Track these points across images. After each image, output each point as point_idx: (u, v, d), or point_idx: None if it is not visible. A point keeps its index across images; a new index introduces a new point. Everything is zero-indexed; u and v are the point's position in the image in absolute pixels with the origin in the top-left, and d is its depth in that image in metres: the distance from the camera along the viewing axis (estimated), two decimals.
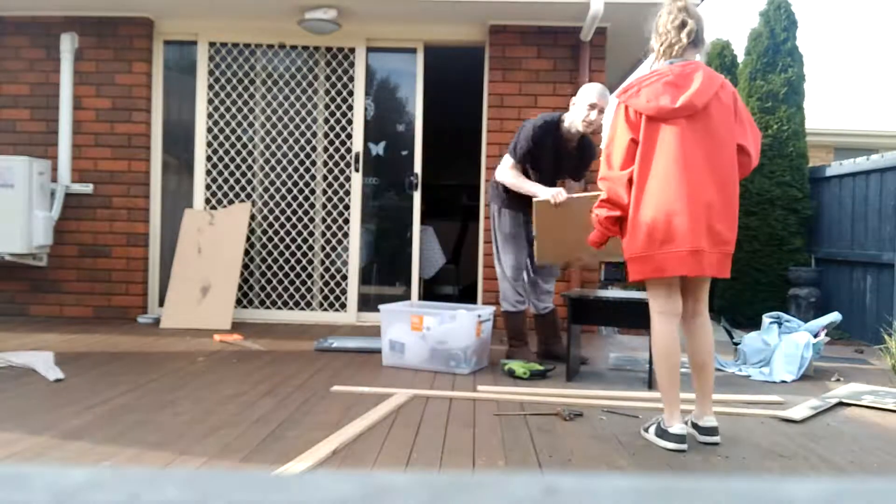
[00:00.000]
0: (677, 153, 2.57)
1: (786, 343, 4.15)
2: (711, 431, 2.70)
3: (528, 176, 4.22)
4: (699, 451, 2.65)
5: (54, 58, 5.79)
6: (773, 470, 2.45)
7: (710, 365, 2.74)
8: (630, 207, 2.62)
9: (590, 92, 4.02)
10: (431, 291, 7.13)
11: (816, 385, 3.93)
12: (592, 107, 3.98)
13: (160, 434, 2.65)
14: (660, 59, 2.73)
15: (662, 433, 2.67)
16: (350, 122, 5.94)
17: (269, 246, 6.00)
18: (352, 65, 5.94)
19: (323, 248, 5.99)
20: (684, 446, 2.60)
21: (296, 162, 5.98)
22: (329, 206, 5.97)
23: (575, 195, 4.03)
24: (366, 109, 5.98)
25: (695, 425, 2.75)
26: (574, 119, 4.05)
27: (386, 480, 0.37)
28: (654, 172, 2.58)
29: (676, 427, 2.63)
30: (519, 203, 4.22)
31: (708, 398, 2.73)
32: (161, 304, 5.84)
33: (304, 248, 5.99)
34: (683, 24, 2.69)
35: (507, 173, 4.19)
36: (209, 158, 5.99)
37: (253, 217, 5.97)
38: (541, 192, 3.98)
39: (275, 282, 5.99)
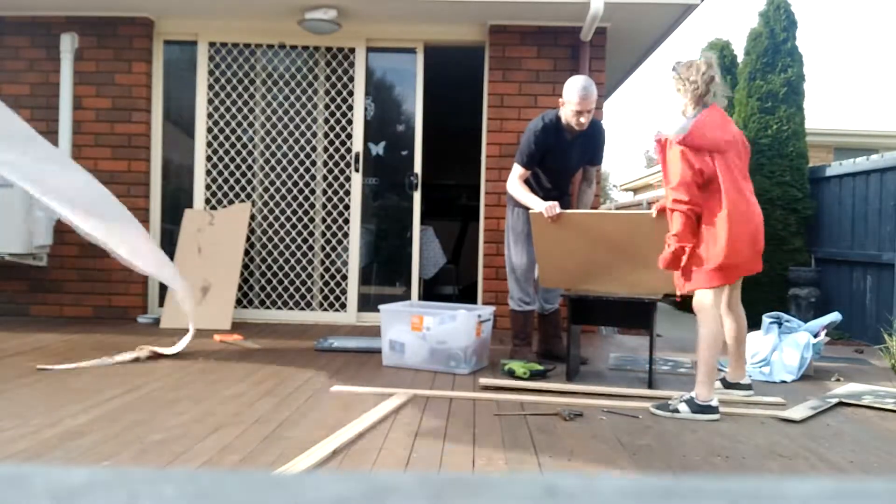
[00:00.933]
0: (737, 179, 3.18)
1: (786, 343, 4.15)
2: (750, 386, 3.57)
3: (539, 179, 4.23)
4: (699, 450, 2.65)
5: (54, 58, 5.79)
6: (773, 470, 2.45)
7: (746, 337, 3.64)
8: (716, 227, 3.14)
9: (573, 96, 3.97)
10: (431, 291, 7.12)
11: (816, 385, 3.93)
12: (579, 113, 3.98)
13: (160, 434, 2.64)
14: (692, 106, 3.27)
15: (705, 408, 3.12)
16: (350, 122, 5.94)
17: (269, 246, 6.00)
18: (352, 65, 5.94)
19: (323, 248, 5.99)
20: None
21: (296, 162, 5.98)
22: (329, 206, 5.97)
23: (575, 211, 4.00)
24: (366, 109, 5.98)
25: (737, 385, 3.55)
26: (569, 119, 4.05)
27: (386, 480, 0.37)
28: (729, 198, 3.12)
29: (715, 400, 3.15)
30: None
31: (744, 362, 3.61)
32: (161, 304, 5.84)
33: (304, 248, 5.99)
34: (712, 79, 3.25)
35: (513, 183, 4.20)
36: (209, 158, 5.99)
37: (253, 217, 5.97)
38: (535, 205, 3.95)
39: (275, 282, 5.99)
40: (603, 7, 5.11)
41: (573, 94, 3.97)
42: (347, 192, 5.95)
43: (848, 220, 6.11)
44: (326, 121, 5.97)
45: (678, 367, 4.33)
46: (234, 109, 5.98)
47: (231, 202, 5.97)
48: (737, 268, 3.24)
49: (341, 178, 5.96)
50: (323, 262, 5.99)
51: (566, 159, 4.22)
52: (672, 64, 3.36)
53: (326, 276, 5.99)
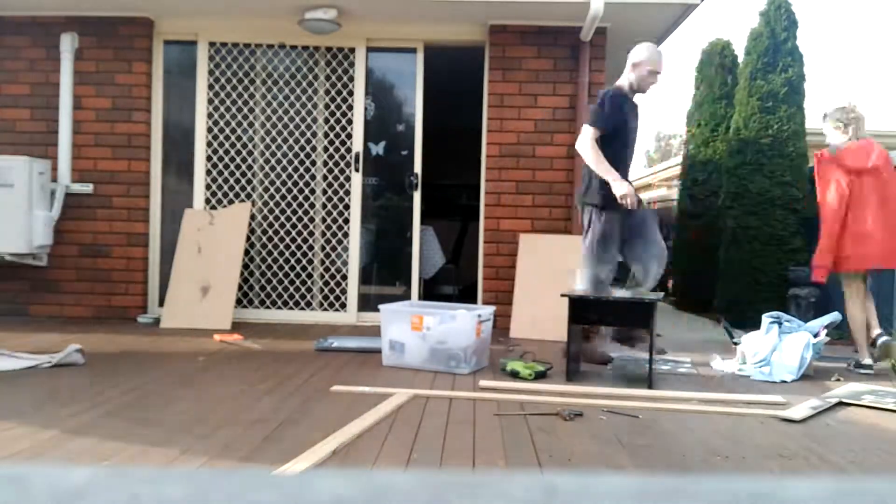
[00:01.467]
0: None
1: (786, 343, 4.15)
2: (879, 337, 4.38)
3: (614, 152, 4.10)
4: (699, 451, 2.65)
5: (54, 58, 5.79)
6: (773, 470, 2.45)
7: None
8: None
9: (652, 54, 4.14)
10: (431, 291, 7.12)
11: (816, 385, 3.93)
12: (655, 73, 4.13)
13: (160, 434, 2.64)
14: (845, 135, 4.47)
15: (863, 366, 4.30)
16: (350, 122, 5.94)
17: (269, 246, 6.00)
18: (352, 65, 5.94)
19: (323, 248, 5.99)
20: None
21: (296, 162, 5.98)
22: (329, 206, 5.97)
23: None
24: (366, 109, 5.98)
25: (873, 342, 4.37)
26: (642, 82, 4.14)
27: (386, 480, 0.37)
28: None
29: (868, 359, 4.32)
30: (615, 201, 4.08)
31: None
32: (161, 304, 5.83)
33: (304, 248, 5.99)
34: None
35: (587, 144, 4.06)
36: (209, 158, 5.99)
37: (253, 217, 5.97)
38: (618, 183, 3.97)
39: (275, 282, 5.99)
40: (603, 7, 5.11)
41: (650, 54, 4.14)
42: (347, 192, 5.95)
43: None
44: (326, 121, 5.97)
45: (678, 367, 4.33)
46: (233, 109, 5.98)
47: (231, 202, 5.97)
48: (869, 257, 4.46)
49: (341, 178, 5.96)
50: (323, 262, 5.99)
51: (633, 131, 4.23)
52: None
53: (326, 276, 5.99)
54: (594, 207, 4.15)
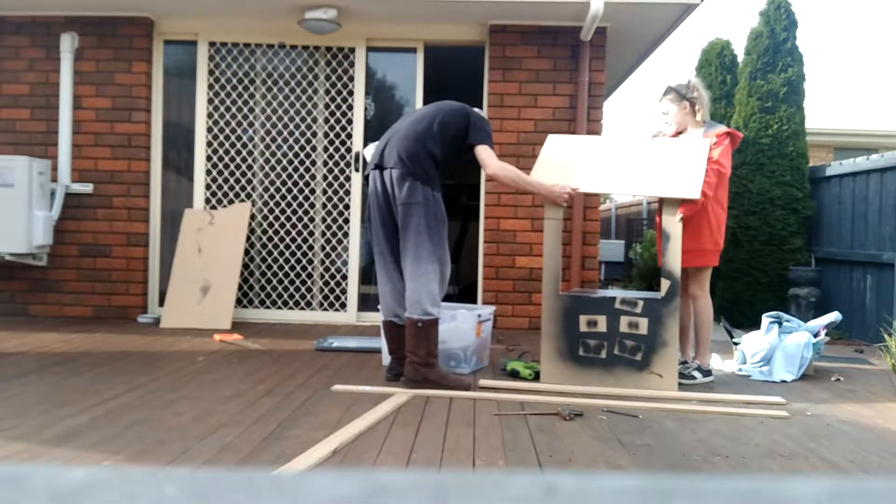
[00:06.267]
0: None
1: (786, 343, 4.15)
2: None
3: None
4: (699, 450, 2.65)
5: (54, 58, 5.79)
6: (773, 470, 2.45)
7: None
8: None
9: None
10: None
11: (816, 385, 3.93)
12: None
13: (160, 434, 2.64)
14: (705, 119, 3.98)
15: (709, 372, 3.91)
16: (350, 122, 5.94)
17: (269, 246, 6.00)
18: (352, 65, 5.94)
19: (323, 248, 5.99)
20: None
21: (296, 162, 5.98)
22: (329, 206, 5.97)
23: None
24: (366, 109, 5.98)
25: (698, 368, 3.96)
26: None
27: (386, 480, 0.37)
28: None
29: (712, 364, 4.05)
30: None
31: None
32: (161, 304, 5.84)
33: (304, 248, 5.99)
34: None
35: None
36: (209, 158, 5.99)
37: (253, 217, 5.97)
38: (548, 192, 3.75)
39: (275, 282, 5.99)
40: (603, 7, 5.11)
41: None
42: (347, 192, 5.95)
43: (848, 220, 6.11)
44: (326, 121, 5.97)
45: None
46: (233, 109, 5.98)
47: (231, 202, 5.97)
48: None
49: (341, 178, 5.96)
50: (323, 262, 5.99)
51: None
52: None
53: (326, 276, 5.99)
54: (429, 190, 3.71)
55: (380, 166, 3.63)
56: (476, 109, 3.91)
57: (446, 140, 3.70)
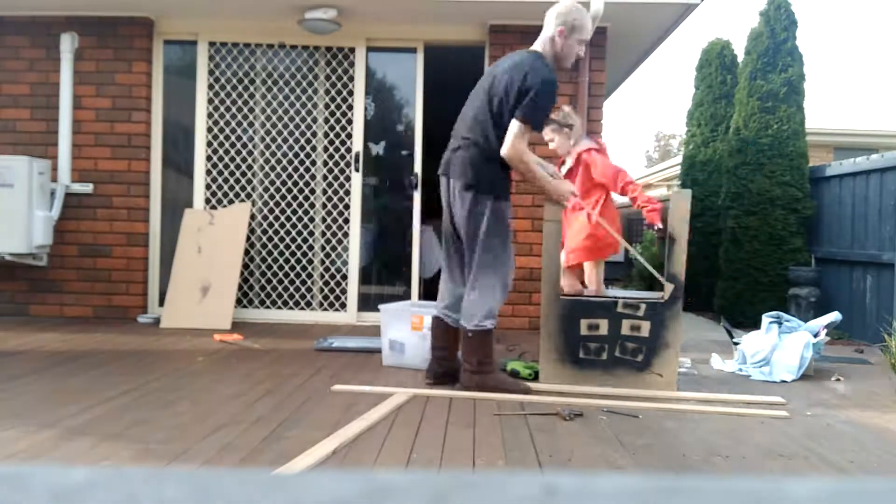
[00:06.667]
0: None
1: (786, 343, 4.15)
2: None
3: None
4: (699, 450, 2.65)
5: (54, 58, 5.79)
6: (773, 470, 2.45)
7: None
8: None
9: (586, 20, 3.43)
10: (431, 291, 7.11)
11: (816, 385, 3.93)
12: (582, 42, 3.48)
13: (160, 434, 2.64)
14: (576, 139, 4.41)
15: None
16: (350, 122, 5.94)
17: (269, 246, 6.00)
18: (352, 65, 5.94)
19: (323, 248, 5.99)
20: None
21: (296, 162, 5.98)
22: (329, 206, 5.97)
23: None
24: (366, 109, 5.98)
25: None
26: (570, 52, 3.45)
27: (386, 480, 0.37)
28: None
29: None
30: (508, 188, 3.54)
31: None
32: (161, 303, 5.83)
33: (304, 248, 5.99)
34: None
35: (524, 150, 3.34)
36: (209, 158, 5.99)
37: (253, 217, 5.97)
38: (554, 189, 3.51)
39: (275, 282, 5.99)
40: (603, 7, 5.10)
41: (586, 19, 3.42)
42: (347, 192, 5.95)
43: (848, 220, 6.11)
44: (326, 121, 5.97)
45: (678, 367, 4.32)
46: (233, 109, 5.98)
47: (231, 202, 5.97)
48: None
49: (341, 178, 5.96)
50: (323, 262, 5.99)
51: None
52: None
53: (326, 276, 5.99)
54: (493, 195, 3.47)
55: (446, 174, 3.57)
56: (545, 69, 3.33)
57: (505, 117, 3.31)
